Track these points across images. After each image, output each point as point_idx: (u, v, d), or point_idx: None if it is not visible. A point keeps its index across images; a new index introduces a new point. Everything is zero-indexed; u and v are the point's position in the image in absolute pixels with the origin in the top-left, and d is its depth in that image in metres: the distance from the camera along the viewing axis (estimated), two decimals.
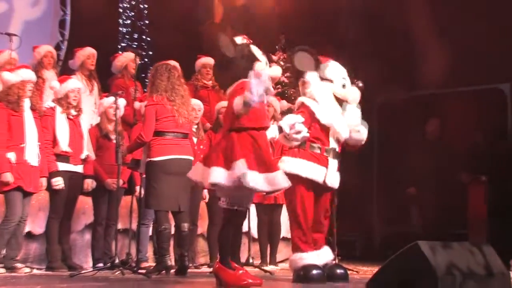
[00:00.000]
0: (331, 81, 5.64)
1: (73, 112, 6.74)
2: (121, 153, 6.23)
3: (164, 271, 6.15)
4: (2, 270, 6.10)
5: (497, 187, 8.58)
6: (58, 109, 6.68)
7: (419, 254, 3.82)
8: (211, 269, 6.18)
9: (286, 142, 5.45)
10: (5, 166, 6.14)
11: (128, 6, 11.26)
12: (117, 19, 11.10)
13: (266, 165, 4.86)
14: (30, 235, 6.76)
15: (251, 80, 4.72)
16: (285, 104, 8.37)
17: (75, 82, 6.93)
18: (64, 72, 8.08)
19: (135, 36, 11.17)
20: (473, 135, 9.30)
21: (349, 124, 5.63)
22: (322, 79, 5.62)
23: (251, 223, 7.30)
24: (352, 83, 5.71)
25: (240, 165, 4.77)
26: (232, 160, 4.80)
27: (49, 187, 6.56)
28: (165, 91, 6.19)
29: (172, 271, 6.20)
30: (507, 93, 9.96)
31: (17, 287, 4.93)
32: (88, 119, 7.23)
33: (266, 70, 5.01)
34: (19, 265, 6.25)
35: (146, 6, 11.39)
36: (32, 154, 6.28)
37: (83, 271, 6.16)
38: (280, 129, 5.28)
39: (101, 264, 6.65)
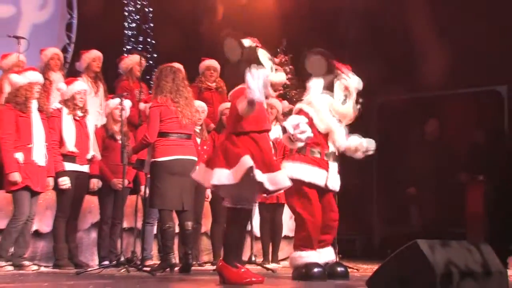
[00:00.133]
0: (332, 93, 5.58)
1: (79, 113, 6.79)
2: (126, 154, 6.29)
3: (168, 269, 6.17)
4: (10, 268, 6.14)
5: (494, 186, 8.59)
6: (65, 110, 6.73)
7: (418, 252, 3.82)
8: (214, 267, 6.17)
9: (290, 143, 5.42)
10: (13, 166, 6.19)
11: (133, 9, 11.29)
12: (122, 22, 11.11)
13: (267, 166, 4.87)
14: (37, 234, 6.80)
15: (247, 78, 4.67)
16: (286, 104, 8.37)
17: (81, 84, 6.99)
18: (71, 74, 8.14)
19: (140, 39, 11.19)
20: (471, 136, 9.29)
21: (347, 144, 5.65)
22: (328, 88, 5.57)
23: (254, 221, 7.31)
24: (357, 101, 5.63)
25: (247, 160, 4.77)
26: (235, 158, 4.81)
27: (56, 187, 6.61)
28: (170, 92, 6.22)
29: (176, 268, 6.23)
30: (504, 95, 9.94)
31: (25, 284, 4.90)
32: (94, 120, 7.27)
33: (270, 76, 4.97)
34: (26, 262, 6.30)
35: (151, 9, 11.40)
36: (40, 154, 6.34)
37: (89, 269, 6.20)
38: (284, 130, 5.24)
39: (107, 262, 6.69)
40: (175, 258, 6.39)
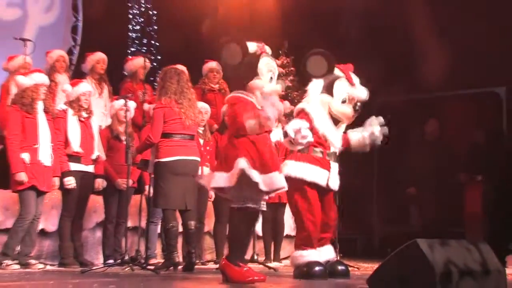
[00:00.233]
0: (332, 94, 5.59)
1: (84, 114, 6.84)
2: (130, 154, 6.31)
3: (172, 267, 6.21)
4: (17, 266, 6.16)
5: (493, 186, 8.59)
6: (70, 112, 6.77)
7: (418, 251, 3.84)
8: (217, 266, 6.13)
9: (291, 146, 5.43)
10: (20, 166, 6.22)
11: (138, 12, 11.33)
12: (127, 25, 11.18)
13: (263, 167, 4.89)
14: (43, 233, 6.84)
15: (264, 104, 4.72)
16: (287, 105, 8.38)
17: (86, 86, 7.03)
18: (76, 75, 8.18)
19: (144, 41, 11.24)
20: (471, 136, 9.29)
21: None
22: (327, 88, 5.60)
23: None
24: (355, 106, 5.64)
25: (241, 162, 4.82)
26: (233, 161, 4.84)
27: (62, 187, 6.64)
28: (175, 94, 6.26)
29: (180, 267, 6.26)
30: (502, 97, 9.97)
31: (31, 283, 4.90)
32: (98, 121, 7.31)
33: (267, 87, 4.99)
34: (33, 261, 6.34)
35: (155, 12, 11.45)
36: (45, 155, 6.37)
37: (94, 267, 6.19)
38: (285, 134, 5.22)
39: (111, 261, 6.73)
40: (179, 257, 6.43)
